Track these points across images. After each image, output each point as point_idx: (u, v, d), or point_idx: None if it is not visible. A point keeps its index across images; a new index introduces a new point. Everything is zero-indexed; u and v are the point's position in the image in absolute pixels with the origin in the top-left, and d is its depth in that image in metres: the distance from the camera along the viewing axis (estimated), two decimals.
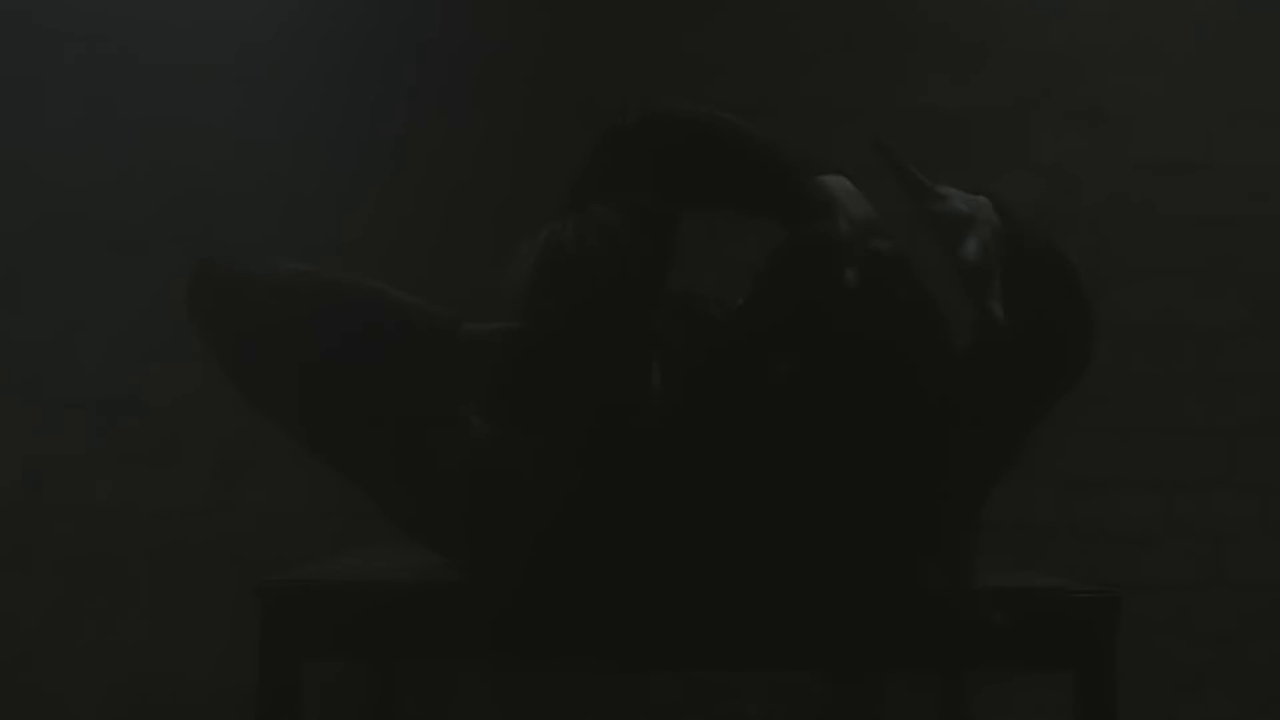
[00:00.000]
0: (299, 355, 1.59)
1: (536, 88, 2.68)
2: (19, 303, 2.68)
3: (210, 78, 2.72)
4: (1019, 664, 1.63)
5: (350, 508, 2.52)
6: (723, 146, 1.62)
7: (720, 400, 1.56)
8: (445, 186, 2.67)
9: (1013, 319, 1.57)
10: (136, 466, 2.68)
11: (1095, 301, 1.64)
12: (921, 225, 1.97)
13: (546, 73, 2.68)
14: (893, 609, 1.62)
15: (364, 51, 2.72)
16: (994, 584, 1.73)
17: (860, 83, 2.73)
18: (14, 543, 2.68)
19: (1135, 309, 2.67)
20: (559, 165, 2.58)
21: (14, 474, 2.69)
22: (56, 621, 2.68)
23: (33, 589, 2.68)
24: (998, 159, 2.72)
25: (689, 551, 1.58)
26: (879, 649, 1.64)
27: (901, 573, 1.59)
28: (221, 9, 2.73)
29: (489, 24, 2.68)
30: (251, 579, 2.65)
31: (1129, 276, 2.71)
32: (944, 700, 2.39)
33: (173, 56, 2.73)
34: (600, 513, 1.59)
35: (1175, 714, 2.62)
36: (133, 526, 2.68)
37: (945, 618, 1.58)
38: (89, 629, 2.67)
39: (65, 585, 2.68)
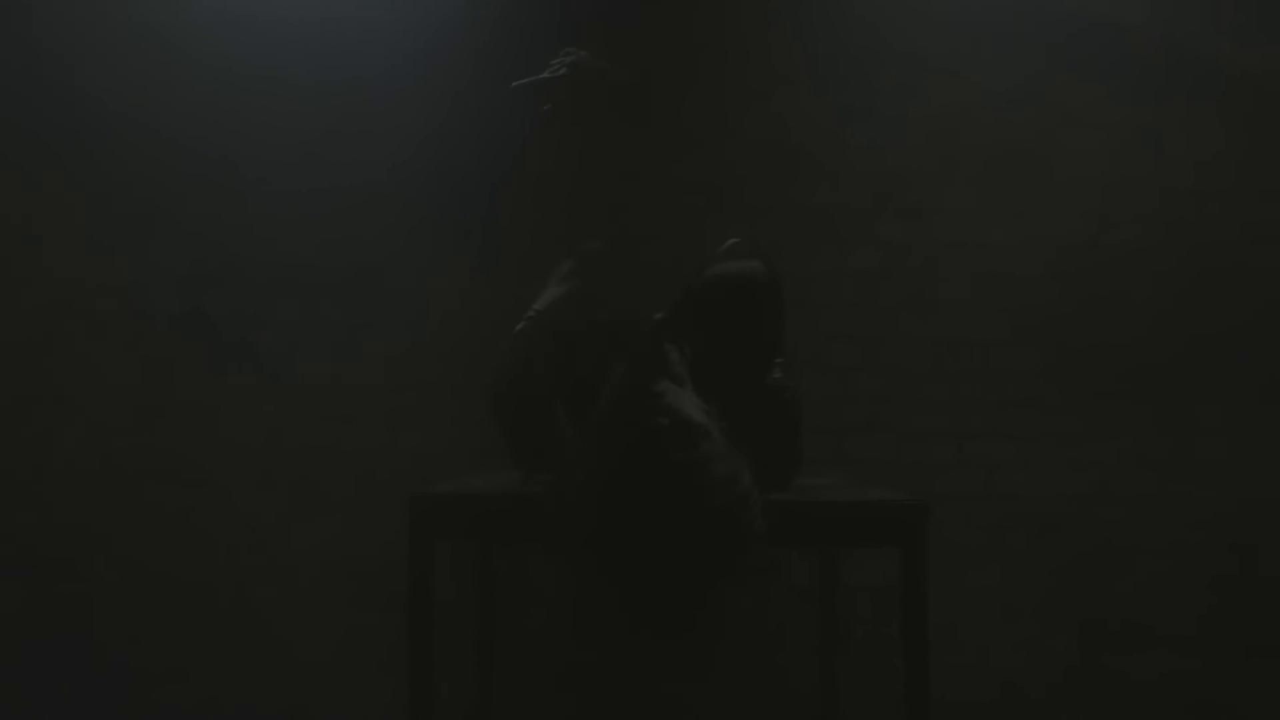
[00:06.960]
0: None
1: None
2: (259, 324, 3.04)
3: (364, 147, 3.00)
4: (869, 543, 1.91)
5: (474, 449, 2.91)
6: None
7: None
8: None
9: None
10: (332, 422, 3.03)
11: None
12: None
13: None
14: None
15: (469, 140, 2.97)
16: (855, 498, 1.96)
17: (772, 190, 3.04)
18: (260, 467, 3.05)
19: (942, 328, 3.03)
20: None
21: (259, 428, 3.03)
22: (286, 519, 3.00)
23: (267, 500, 3.05)
24: (854, 238, 3.04)
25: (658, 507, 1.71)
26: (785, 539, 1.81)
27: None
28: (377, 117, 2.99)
29: (514, 131, 2.91)
30: (406, 492, 2.90)
31: (937, 309, 3.04)
32: (824, 567, 2.72)
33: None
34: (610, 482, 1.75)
35: (964, 576, 3.01)
36: (330, 461, 3.03)
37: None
38: (303, 522, 3.00)
39: (288, 498, 3.03)
